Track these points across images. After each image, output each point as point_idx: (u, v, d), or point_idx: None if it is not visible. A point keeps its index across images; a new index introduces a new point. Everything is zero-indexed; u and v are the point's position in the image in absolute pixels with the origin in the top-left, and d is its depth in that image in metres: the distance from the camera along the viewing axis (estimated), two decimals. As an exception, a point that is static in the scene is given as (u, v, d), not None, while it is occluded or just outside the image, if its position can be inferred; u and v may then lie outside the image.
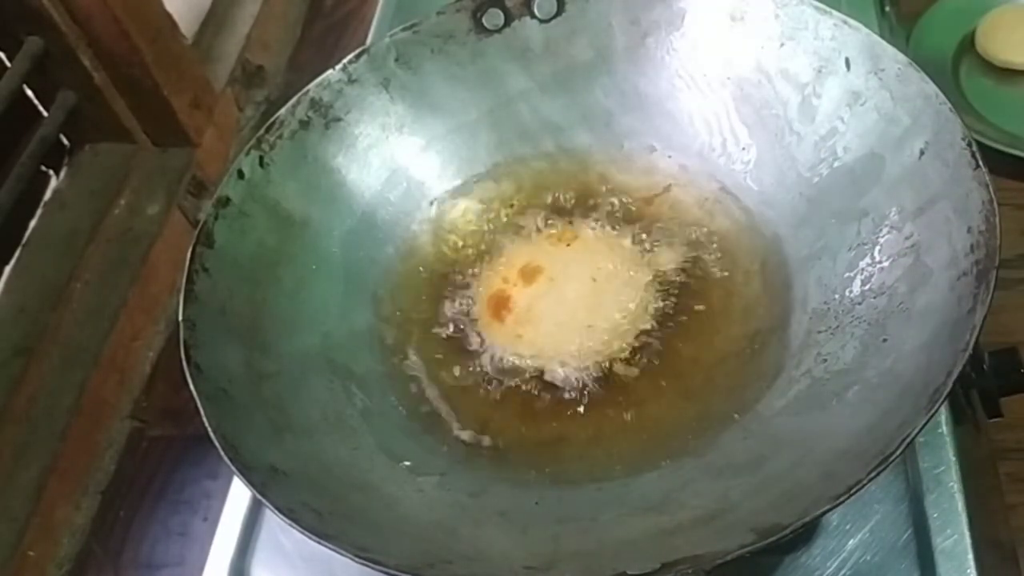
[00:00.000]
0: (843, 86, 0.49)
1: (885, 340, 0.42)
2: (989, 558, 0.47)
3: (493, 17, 0.56)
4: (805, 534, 0.48)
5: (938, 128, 0.44)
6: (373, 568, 0.37)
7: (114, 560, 0.75)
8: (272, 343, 0.49)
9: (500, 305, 0.50)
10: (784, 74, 0.52)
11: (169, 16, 0.92)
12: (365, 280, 0.54)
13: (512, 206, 0.56)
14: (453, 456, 0.47)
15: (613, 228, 0.53)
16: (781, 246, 0.50)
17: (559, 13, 0.56)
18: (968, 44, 0.95)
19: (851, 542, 0.48)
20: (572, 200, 0.55)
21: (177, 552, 0.75)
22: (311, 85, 0.54)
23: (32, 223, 0.88)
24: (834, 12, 0.49)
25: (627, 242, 0.53)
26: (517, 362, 0.49)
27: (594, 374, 0.48)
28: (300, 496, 0.40)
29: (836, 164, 0.49)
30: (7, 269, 0.85)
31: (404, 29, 0.56)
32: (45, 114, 0.87)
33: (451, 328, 0.52)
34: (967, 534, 0.47)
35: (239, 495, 0.55)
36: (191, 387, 0.43)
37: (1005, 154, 0.84)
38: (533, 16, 0.56)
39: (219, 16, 1.07)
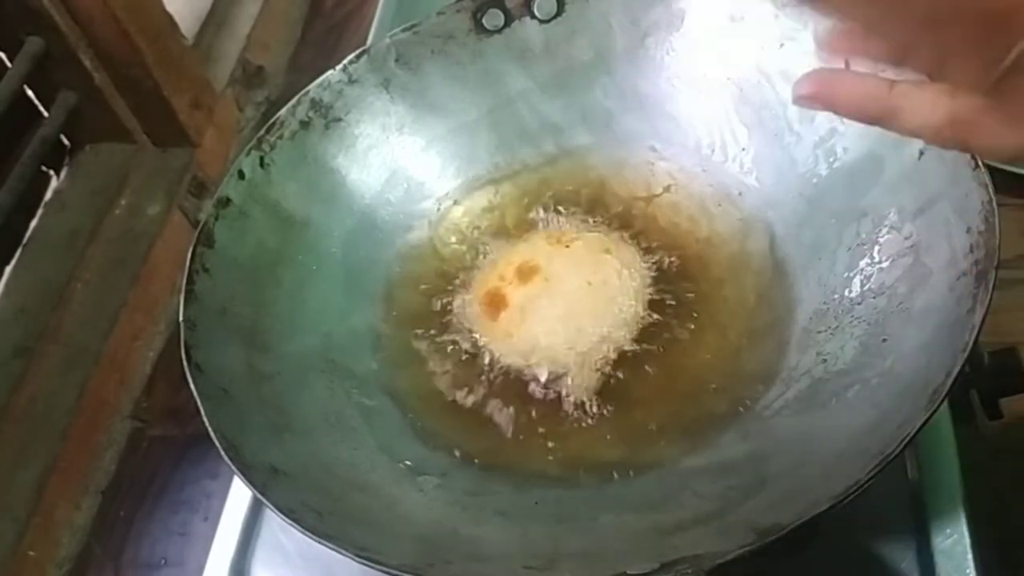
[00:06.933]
0: (843, 86, 0.49)
1: (885, 340, 0.43)
2: (989, 558, 0.47)
3: (493, 17, 0.56)
4: (805, 534, 0.48)
5: (937, 128, 0.44)
6: (373, 568, 0.37)
7: (115, 560, 0.75)
8: (272, 343, 0.49)
9: (495, 303, 0.50)
10: (784, 75, 0.52)
11: (169, 16, 0.92)
12: (365, 280, 0.54)
13: (511, 206, 0.56)
14: (453, 456, 0.47)
15: (612, 228, 0.53)
16: (781, 246, 0.50)
17: (559, 13, 0.56)
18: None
19: (851, 542, 0.48)
20: (571, 200, 0.55)
21: (178, 552, 0.75)
22: (311, 86, 0.55)
23: (32, 223, 0.88)
24: (834, 12, 0.49)
25: (626, 242, 0.53)
26: (511, 362, 0.49)
27: (589, 375, 0.48)
28: (300, 496, 0.41)
29: (836, 164, 0.49)
30: (7, 269, 0.84)
31: (404, 30, 0.56)
32: (46, 114, 0.87)
33: (449, 327, 0.52)
34: (967, 534, 0.47)
35: (239, 495, 0.55)
36: (191, 387, 0.43)
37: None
38: (533, 16, 0.56)
39: (219, 16, 1.07)
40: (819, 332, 0.46)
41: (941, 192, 0.43)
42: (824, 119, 0.50)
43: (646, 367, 0.48)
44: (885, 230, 0.46)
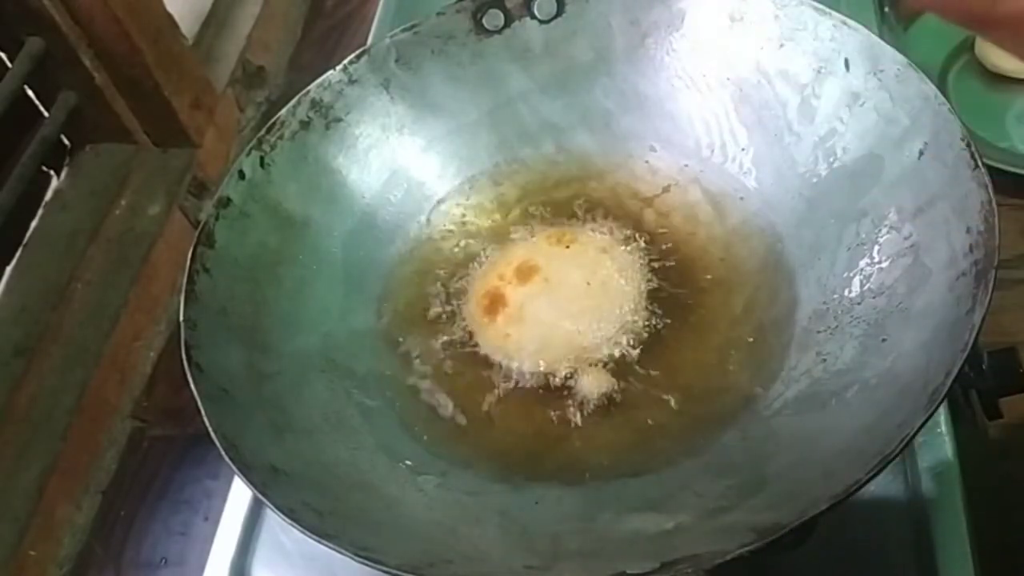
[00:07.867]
0: (842, 87, 0.49)
1: (884, 340, 0.43)
2: (989, 559, 0.47)
3: (493, 18, 0.56)
4: (805, 533, 0.48)
5: (937, 128, 0.44)
6: (373, 568, 0.37)
7: (115, 559, 0.75)
8: (273, 343, 0.49)
9: (493, 303, 0.50)
10: (783, 75, 0.52)
11: (170, 17, 0.92)
12: (365, 280, 0.54)
13: (512, 207, 0.56)
14: (453, 456, 0.47)
15: (611, 229, 0.53)
16: (780, 246, 0.50)
17: (559, 14, 0.56)
18: (956, 53, 0.94)
19: (851, 542, 0.48)
20: (571, 201, 0.55)
21: (178, 551, 0.75)
22: (312, 86, 0.55)
23: (33, 223, 0.88)
24: (833, 13, 0.49)
25: (625, 243, 0.53)
26: (510, 362, 0.49)
27: (588, 375, 0.48)
28: (300, 496, 0.41)
29: (835, 164, 0.49)
30: (8, 269, 0.85)
31: (404, 30, 0.56)
32: (46, 114, 0.87)
33: (449, 328, 0.52)
34: (967, 534, 0.47)
35: (240, 495, 0.55)
36: (192, 387, 0.43)
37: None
38: (533, 17, 0.56)
39: (220, 17, 1.07)
40: (819, 332, 0.46)
41: (940, 192, 0.43)
42: (824, 119, 0.50)
43: (645, 367, 0.48)
44: (885, 230, 0.46)
